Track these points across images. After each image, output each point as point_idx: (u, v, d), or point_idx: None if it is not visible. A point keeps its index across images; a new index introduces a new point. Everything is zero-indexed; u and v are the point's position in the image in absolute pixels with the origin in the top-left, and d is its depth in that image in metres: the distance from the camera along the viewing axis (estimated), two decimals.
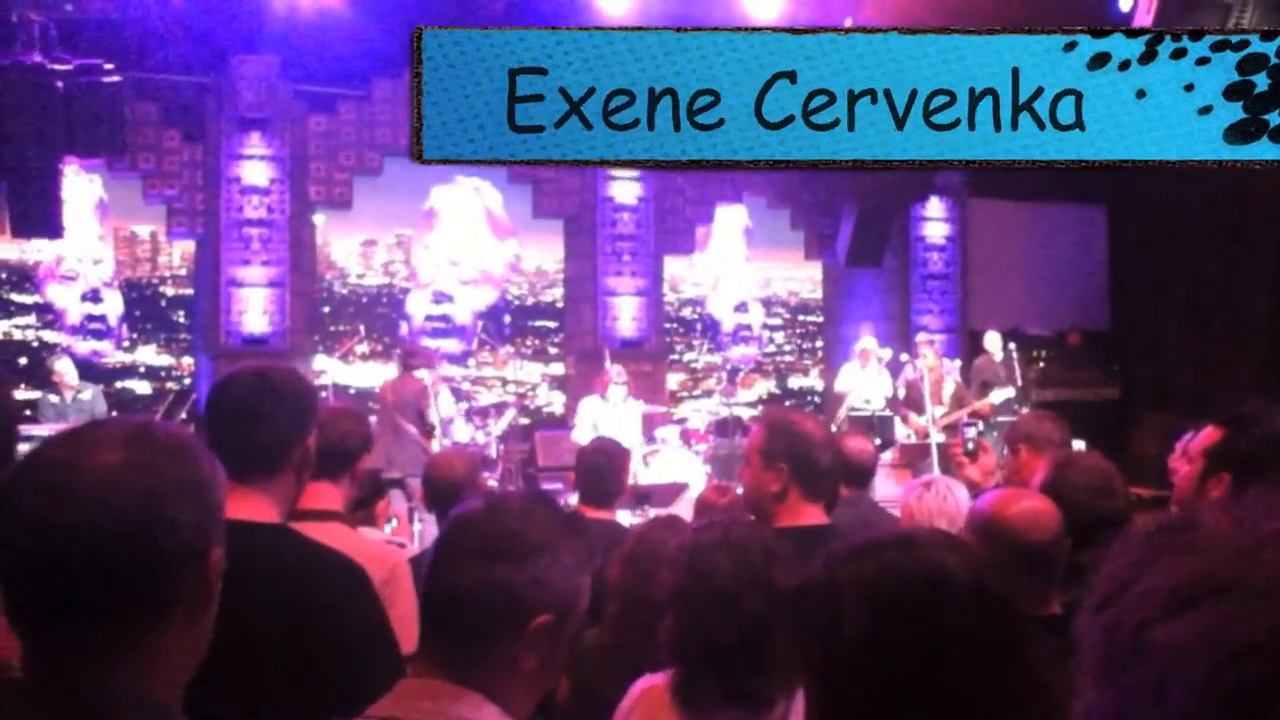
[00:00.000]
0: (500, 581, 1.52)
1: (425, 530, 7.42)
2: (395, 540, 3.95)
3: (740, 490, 3.48)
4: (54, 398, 10.12)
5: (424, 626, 1.61)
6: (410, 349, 10.52)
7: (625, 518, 6.00)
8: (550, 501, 1.72)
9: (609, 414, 9.51)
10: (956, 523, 3.44)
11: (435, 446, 8.91)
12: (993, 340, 11.54)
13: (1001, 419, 9.89)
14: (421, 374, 9.52)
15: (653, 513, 6.71)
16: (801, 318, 15.17)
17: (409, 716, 1.53)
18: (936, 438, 9.44)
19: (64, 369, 10.16)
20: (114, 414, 9.82)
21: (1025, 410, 9.29)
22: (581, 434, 9.41)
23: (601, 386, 10.02)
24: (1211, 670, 0.45)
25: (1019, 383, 11.06)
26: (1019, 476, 3.43)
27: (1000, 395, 10.73)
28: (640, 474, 9.02)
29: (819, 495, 3.00)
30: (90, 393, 10.28)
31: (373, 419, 9.97)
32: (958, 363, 11.80)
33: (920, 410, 10.24)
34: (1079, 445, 9.29)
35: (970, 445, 3.54)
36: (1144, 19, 7.22)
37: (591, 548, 1.65)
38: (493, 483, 9.74)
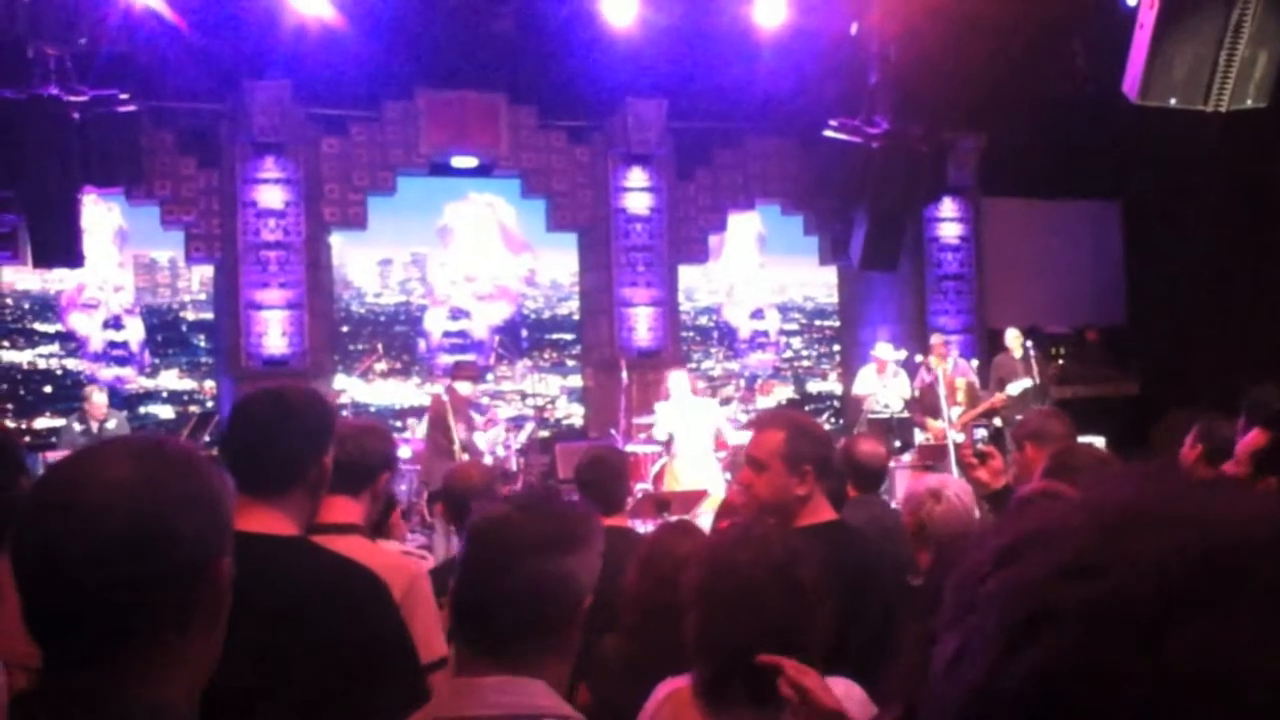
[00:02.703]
0: (563, 571, 1.66)
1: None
2: (415, 552, 3.99)
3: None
4: (79, 425, 10.26)
5: (475, 626, 1.69)
6: (459, 363, 10.72)
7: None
8: (564, 500, 1.85)
9: (681, 414, 9.62)
10: (971, 528, 3.44)
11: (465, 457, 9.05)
12: (1012, 337, 11.54)
13: (1019, 417, 9.88)
14: (464, 387, 9.73)
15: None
16: (818, 322, 15.18)
17: (486, 712, 1.61)
18: (955, 438, 9.45)
19: (98, 400, 10.37)
20: None
21: (1044, 408, 9.28)
22: (660, 433, 9.79)
23: (665, 395, 10.14)
24: (1004, 608, 0.53)
25: (1036, 379, 11.05)
26: (1026, 472, 3.45)
27: (1017, 387, 10.73)
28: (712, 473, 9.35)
29: (832, 494, 3.07)
30: (115, 421, 10.42)
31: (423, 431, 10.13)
32: (975, 362, 11.78)
33: (935, 413, 10.24)
34: (1099, 442, 9.30)
35: (978, 448, 3.57)
36: (1147, 15, 7.23)
37: (601, 535, 1.80)
38: None
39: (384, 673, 2.02)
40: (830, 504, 3.06)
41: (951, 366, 10.90)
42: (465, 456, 9.26)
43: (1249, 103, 7.53)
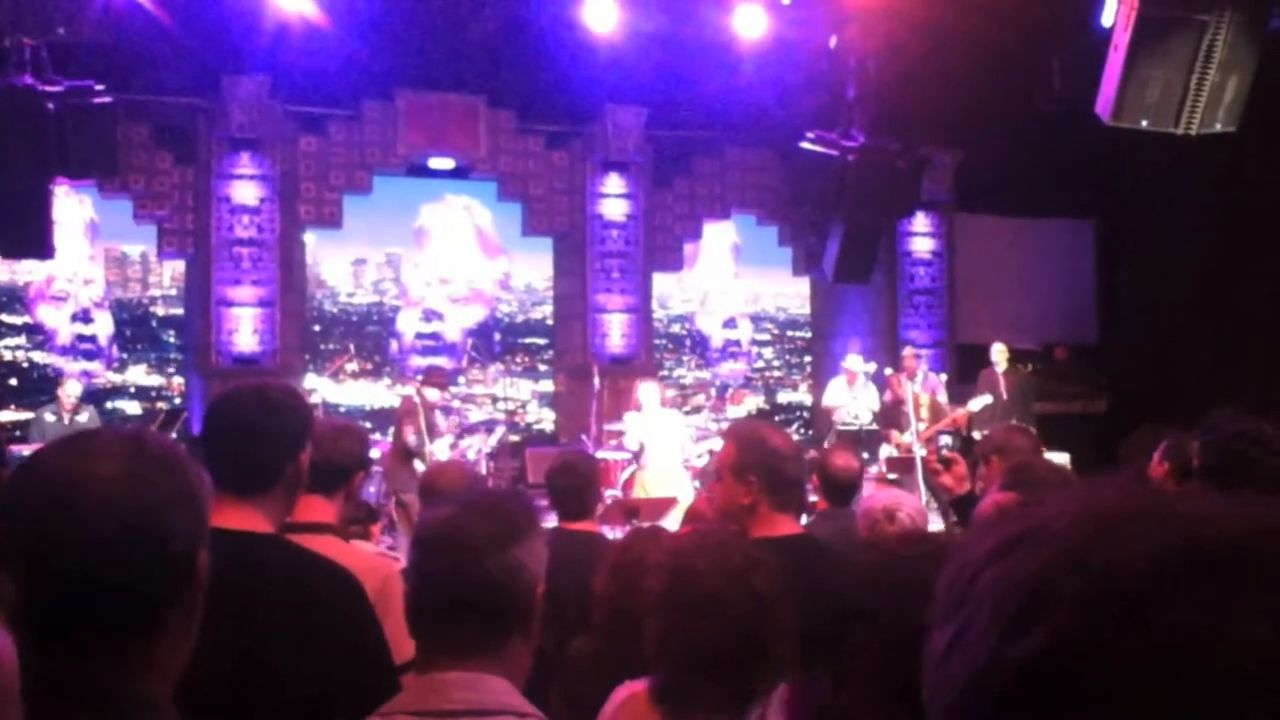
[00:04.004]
0: (514, 563, 1.68)
1: None
2: (388, 554, 3.99)
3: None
4: (50, 416, 10.20)
5: (433, 626, 1.70)
6: (429, 368, 10.70)
7: None
8: (512, 492, 1.88)
9: (651, 425, 9.65)
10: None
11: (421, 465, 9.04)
12: (998, 352, 11.63)
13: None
14: (432, 393, 9.72)
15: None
16: (790, 333, 15.24)
17: (449, 708, 1.62)
18: (920, 451, 9.54)
19: (71, 391, 10.37)
20: None
21: (1009, 423, 9.36)
22: (631, 443, 9.81)
23: (636, 406, 10.15)
24: (1001, 596, 0.59)
25: (1004, 396, 11.14)
26: (991, 486, 3.49)
27: (978, 403, 10.82)
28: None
29: (788, 506, 3.07)
30: (86, 415, 10.38)
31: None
32: (943, 377, 11.87)
33: (900, 426, 10.34)
34: (1064, 458, 9.39)
35: (943, 454, 3.63)
36: (1121, 37, 7.33)
37: (542, 523, 1.84)
38: None
39: (359, 671, 2.03)
40: (789, 515, 3.07)
41: (921, 381, 10.98)
42: (434, 460, 9.24)
43: (1218, 127, 7.65)
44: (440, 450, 9.78)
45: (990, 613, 0.58)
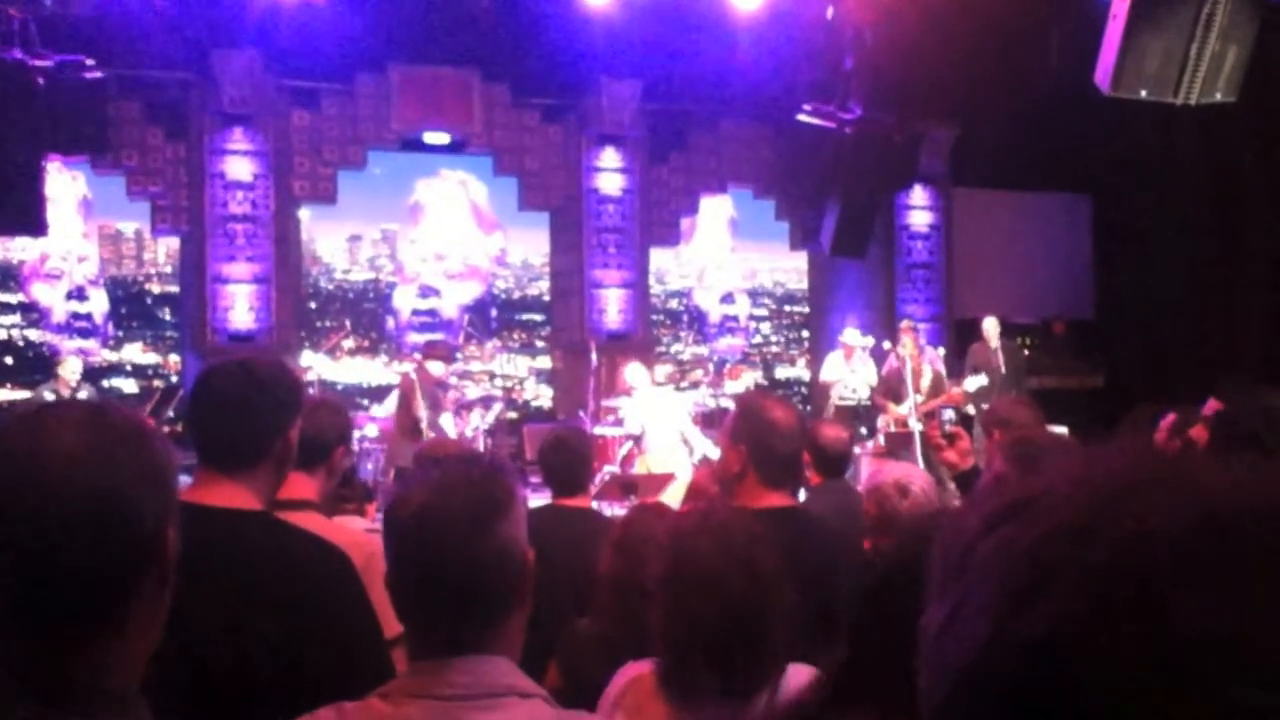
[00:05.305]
0: (502, 539, 1.60)
1: None
2: (376, 529, 3.96)
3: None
4: (49, 395, 10.16)
5: (427, 611, 1.62)
6: (431, 342, 10.64)
7: None
8: (481, 461, 1.78)
9: (646, 405, 9.63)
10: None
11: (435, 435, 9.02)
12: (990, 326, 11.59)
13: (984, 406, 9.95)
14: (436, 367, 9.66)
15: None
16: (788, 308, 15.24)
17: (449, 691, 1.56)
18: (917, 426, 9.50)
19: (72, 368, 10.30)
20: None
21: (1013, 395, 9.33)
22: (632, 426, 9.75)
23: (627, 390, 10.13)
24: (1003, 570, 0.54)
25: (1003, 370, 11.12)
26: (994, 460, 3.45)
27: (974, 383, 10.79)
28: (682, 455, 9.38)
29: (778, 481, 3.00)
30: (86, 393, 10.33)
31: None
32: (941, 350, 11.85)
33: (898, 399, 10.30)
34: (1062, 431, 9.37)
35: (946, 429, 3.60)
36: (1120, 6, 7.27)
37: (519, 482, 1.75)
38: None
39: (349, 647, 2.00)
40: (779, 491, 3.02)
41: (918, 352, 10.95)
42: (432, 435, 9.22)
43: (1218, 97, 7.60)
44: (446, 424, 9.77)
45: (994, 586, 0.54)
